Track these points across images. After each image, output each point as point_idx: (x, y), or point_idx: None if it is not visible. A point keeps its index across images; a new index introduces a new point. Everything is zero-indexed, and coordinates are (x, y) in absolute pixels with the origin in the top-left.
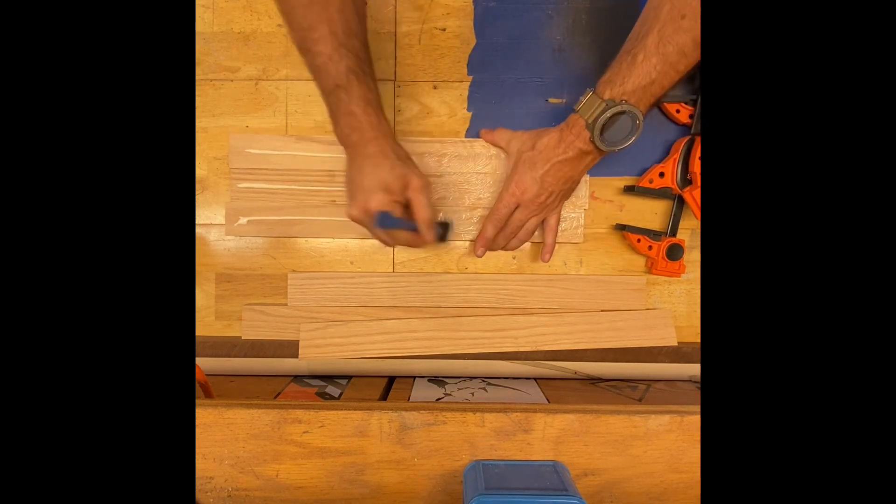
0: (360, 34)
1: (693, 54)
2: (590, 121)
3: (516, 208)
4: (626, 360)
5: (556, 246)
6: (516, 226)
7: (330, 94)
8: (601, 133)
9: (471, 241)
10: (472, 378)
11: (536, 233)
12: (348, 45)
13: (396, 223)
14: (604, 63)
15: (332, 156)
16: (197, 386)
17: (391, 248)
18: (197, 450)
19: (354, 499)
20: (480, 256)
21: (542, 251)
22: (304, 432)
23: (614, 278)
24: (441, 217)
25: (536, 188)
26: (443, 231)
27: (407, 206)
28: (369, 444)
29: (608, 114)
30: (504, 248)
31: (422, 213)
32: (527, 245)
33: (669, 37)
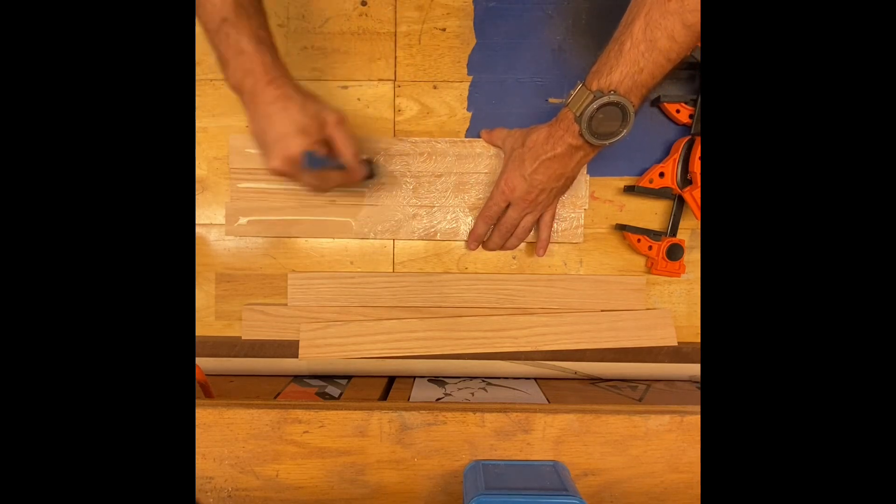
0: None
1: (683, 40)
2: (578, 114)
3: (508, 206)
4: (626, 360)
5: (557, 246)
6: (511, 224)
7: (216, 33)
8: (590, 126)
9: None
10: (472, 378)
11: (532, 230)
12: None
13: (324, 162)
14: None
15: None
16: (197, 386)
17: (391, 249)
18: (197, 450)
19: (354, 499)
20: (473, 250)
21: (536, 246)
22: (304, 432)
23: (614, 278)
24: (363, 155)
25: (525, 186)
26: (370, 168)
27: (328, 147)
28: (369, 444)
29: (595, 105)
30: (503, 248)
31: (346, 148)
32: (523, 244)
33: (656, 22)
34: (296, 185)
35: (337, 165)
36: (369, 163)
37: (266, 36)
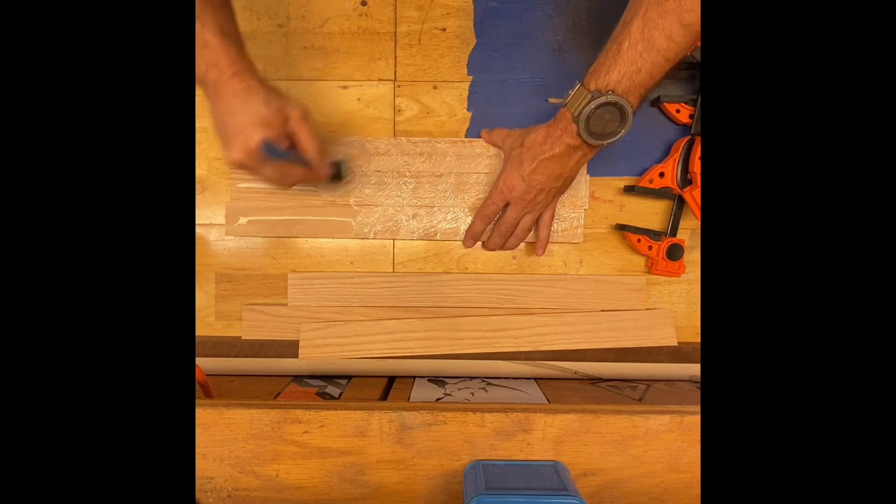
0: None
1: (681, 40)
2: (576, 113)
3: (506, 206)
4: (626, 360)
5: (556, 246)
6: (510, 224)
7: None
8: (587, 126)
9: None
10: (472, 378)
11: (531, 230)
12: None
13: (284, 155)
14: None
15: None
16: (197, 386)
17: (391, 249)
18: (197, 450)
19: (354, 499)
20: (469, 247)
21: (536, 246)
22: (304, 432)
23: (614, 278)
24: (334, 156)
25: (524, 186)
26: (337, 170)
27: (291, 142)
28: (369, 444)
29: (593, 105)
30: (502, 248)
31: (310, 143)
32: (522, 244)
33: (654, 21)
34: (257, 178)
35: (298, 160)
36: (338, 164)
37: (232, 29)
